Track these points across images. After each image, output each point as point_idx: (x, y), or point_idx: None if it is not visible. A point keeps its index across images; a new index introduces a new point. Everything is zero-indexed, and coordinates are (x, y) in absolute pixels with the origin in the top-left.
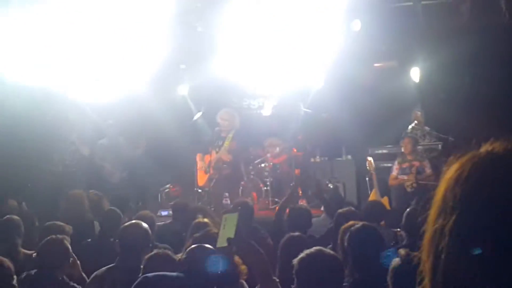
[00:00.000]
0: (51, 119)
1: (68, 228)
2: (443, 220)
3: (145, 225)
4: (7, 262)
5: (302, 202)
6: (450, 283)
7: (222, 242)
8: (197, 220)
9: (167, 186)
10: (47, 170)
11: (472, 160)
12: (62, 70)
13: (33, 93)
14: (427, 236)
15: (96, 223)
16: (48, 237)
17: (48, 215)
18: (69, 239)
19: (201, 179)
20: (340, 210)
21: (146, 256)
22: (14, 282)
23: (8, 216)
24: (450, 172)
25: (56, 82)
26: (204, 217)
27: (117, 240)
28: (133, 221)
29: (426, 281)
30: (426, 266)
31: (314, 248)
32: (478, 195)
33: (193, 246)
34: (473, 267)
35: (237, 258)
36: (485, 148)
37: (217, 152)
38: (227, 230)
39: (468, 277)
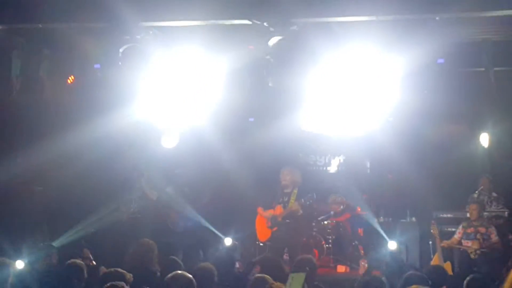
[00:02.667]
0: (120, 167)
1: (129, 276)
2: None
3: (188, 276)
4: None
5: (364, 262)
6: None
7: None
8: (258, 275)
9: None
10: (114, 217)
11: None
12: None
13: (108, 140)
14: None
15: None
16: (109, 284)
17: (113, 262)
18: (127, 286)
19: (263, 234)
20: (408, 273)
21: None
22: None
23: (72, 260)
24: None
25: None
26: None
27: None
28: (178, 272)
29: None
30: None
31: None
32: None
33: None
34: None
35: None
36: None
37: (284, 208)
38: (292, 287)
39: None
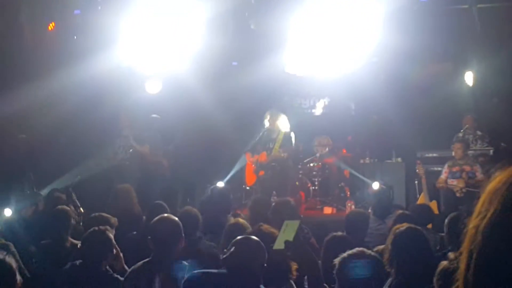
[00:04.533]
0: (105, 114)
1: (114, 220)
2: (478, 221)
3: (175, 218)
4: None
5: (350, 203)
6: (479, 282)
7: (279, 245)
8: (234, 220)
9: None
10: (99, 163)
11: None
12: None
13: (89, 85)
14: (466, 238)
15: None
16: (92, 229)
17: (98, 207)
18: (113, 231)
19: (250, 179)
20: (398, 212)
21: None
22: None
23: (58, 206)
24: (495, 181)
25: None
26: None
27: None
28: (164, 215)
29: (460, 281)
30: (461, 266)
31: (356, 249)
32: None
33: (238, 238)
34: (502, 267)
35: None
36: None
37: (268, 154)
38: (286, 234)
39: (497, 277)
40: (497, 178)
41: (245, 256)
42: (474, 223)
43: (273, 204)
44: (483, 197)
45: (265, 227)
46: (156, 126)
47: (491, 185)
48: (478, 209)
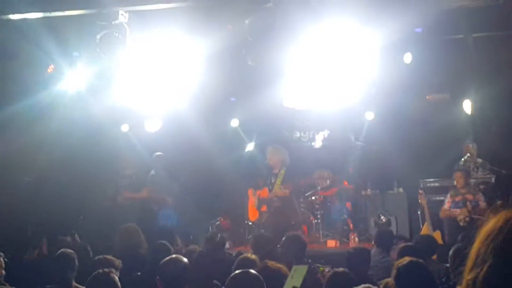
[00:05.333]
0: (105, 154)
1: (118, 262)
2: (474, 274)
3: (184, 259)
4: None
5: (353, 236)
6: None
7: None
8: (244, 255)
9: (218, 219)
10: (100, 204)
11: (507, 214)
12: (115, 102)
13: (88, 125)
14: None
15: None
16: (96, 272)
17: (102, 248)
18: (117, 273)
19: (252, 214)
20: (402, 245)
21: None
22: None
23: (62, 250)
24: (487, 225)
25: (109, 114)
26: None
27: (157, 277)
28: (173, 256)
29: None
30: None
31: (363, 285)
32: (509, 248)
33: (237, 272)
34: None
35: None
36: None
37: (270, 190)
38: (294, 279)
39: None
40: (491, 223)
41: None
42: (472, 275)
43: (284, 238)
44: (477, 245)
45: (271, 263)
46: (160, 165)
47: (483, 235)
48: (473, 261)
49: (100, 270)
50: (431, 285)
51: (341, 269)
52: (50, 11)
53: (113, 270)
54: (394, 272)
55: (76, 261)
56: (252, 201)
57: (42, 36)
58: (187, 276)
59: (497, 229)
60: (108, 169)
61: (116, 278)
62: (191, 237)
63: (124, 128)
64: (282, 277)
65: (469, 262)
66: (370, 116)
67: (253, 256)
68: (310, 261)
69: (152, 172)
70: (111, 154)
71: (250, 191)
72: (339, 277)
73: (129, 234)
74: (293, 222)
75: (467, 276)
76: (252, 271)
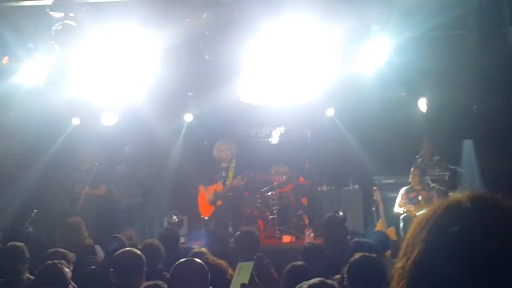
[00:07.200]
0: (62, 148)
1: (71, 255)
2: (404, 261)
3: (138, 252)
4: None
5: (308, 232)
6: None
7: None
8: (195, 251)
9: (172, 213)
10: (56, 197)
11: (436, 204)
12: (72, 95)
13: (44, 118)
14: (394, 278)
15: (98, 248)
16: (45, 263)
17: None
18: (70, 266)
19: (204, 210)
20: (354, 240)
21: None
22: None
23: (11, 243)
24: (419, 218)
25: (66, 107)
26: None
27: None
28: (127, 248)
29: None
30: None
31: (317, 279)
32: (436, 239)
33: (181, 260)
34: None
35: None
36: (453, 196)
37: (224, 184)
38: (241, 277)
39: None
40: (422, 215)
41: (188, 279)
42: (401, 263)
43: (237, 234)
44: (408, 235)
45: (212, 258)
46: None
47: (414, 224)
48: (404, 250)
49: (50, 262)
50: (383, 280)
51: (298, 262)
52: (4, 1)
53: (64, 262)
54: (346, 267)
55: (27, 253)
56: (205, 197)
57: None
58: (141, 268)
59: (426, 218)
60: (65, 164)
61: (66, 269)
62: (147, 231)
63: (75, 121)
64: (222, 273)
65: (401, 252)
66: (330, 112)
67: (203, 249)
68: (260, 255)
69: (121, 166)
70: (68, 148)
71: (201, 187)
72: (296, 270)
73: (70, 228)
74: (248, 211)
75: (397, 265)
76: (197, 260)
